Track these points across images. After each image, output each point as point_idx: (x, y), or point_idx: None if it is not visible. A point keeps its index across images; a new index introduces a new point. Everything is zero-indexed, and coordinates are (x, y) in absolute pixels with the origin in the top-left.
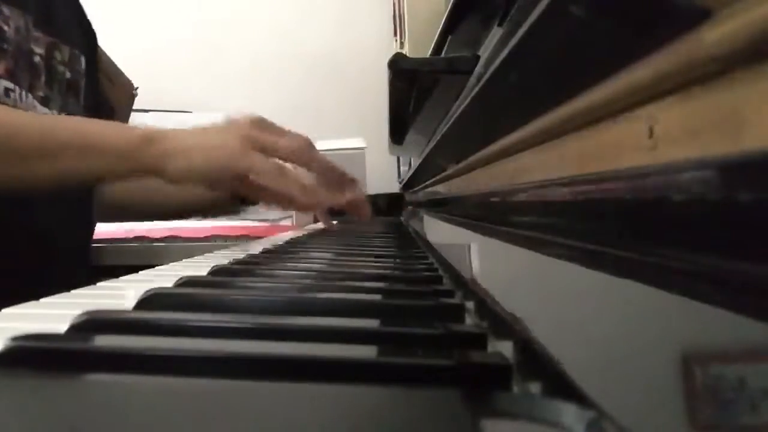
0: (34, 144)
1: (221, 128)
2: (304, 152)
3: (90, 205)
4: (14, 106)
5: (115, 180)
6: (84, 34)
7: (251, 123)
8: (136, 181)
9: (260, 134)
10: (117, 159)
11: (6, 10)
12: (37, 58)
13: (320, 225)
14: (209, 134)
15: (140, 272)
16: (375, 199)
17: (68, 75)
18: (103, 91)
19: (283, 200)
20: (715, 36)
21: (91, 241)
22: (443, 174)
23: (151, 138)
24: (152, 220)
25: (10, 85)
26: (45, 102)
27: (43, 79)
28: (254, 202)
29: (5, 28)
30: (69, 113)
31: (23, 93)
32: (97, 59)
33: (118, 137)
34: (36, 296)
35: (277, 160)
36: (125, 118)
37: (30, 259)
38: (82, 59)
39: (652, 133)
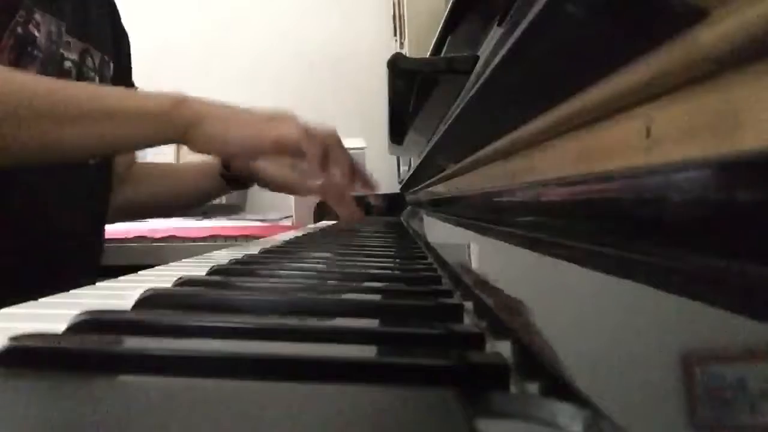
0: (77, 109)
1: (252, 109)
2: (333, 144)
3: (103, 208)
4: None
5: (149, 145)
6: (115, 40)
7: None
8: (137, 186)
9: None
10: (152, 122)
11: (38, 16)
12: (68, 64)
13: (320, 225)
14: (241, 110)
15: (140, 272)
16: (374, 199)
17: (97, 81)
18: None
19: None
20: (711, 36)
21: (101, 246)
22: (443, 174)
23: (183, 100)
24: (156, 217)
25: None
26: None
27: None
28: (247, 185)
29: (36, 34)
30: None
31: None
32: (128, 64)
33: (152, 101)
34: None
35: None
36: None
37: (39, 261)
38: (111, 65)
39: (650, 133)
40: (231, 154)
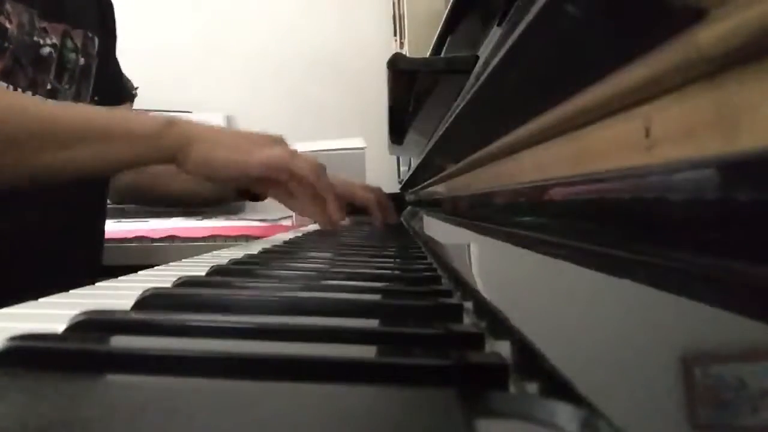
0: (68, 132)
1: (242, 132)
2: (315, 171)
3: (102, 214)
4: None
5: (138, 166)
6: (99, 12)
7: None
8: (146, 169)
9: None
10: (142, 144)
11: (9, 6)
12: (46, 50)
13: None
14: (231, 133)
15: (139, 272)
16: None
17: (81, 61)
18: (119, 71)
19: (290, 198)
20: (710, 36)
21: (101, 250)
22: (443, 174)
23: (172, 123)
24: (157, 206)
25: (4, 86)
26: (53, 94)
27: (53, 71)
28: (262, 198)
29: (7, 25)
30: (80, 100)
31: (19, 91)
32: (114, 35)
33: (142, 123)
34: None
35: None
36: None
37: (39, 260)
38: (96, 40)
39: (649, 133)
40: (218, 177)
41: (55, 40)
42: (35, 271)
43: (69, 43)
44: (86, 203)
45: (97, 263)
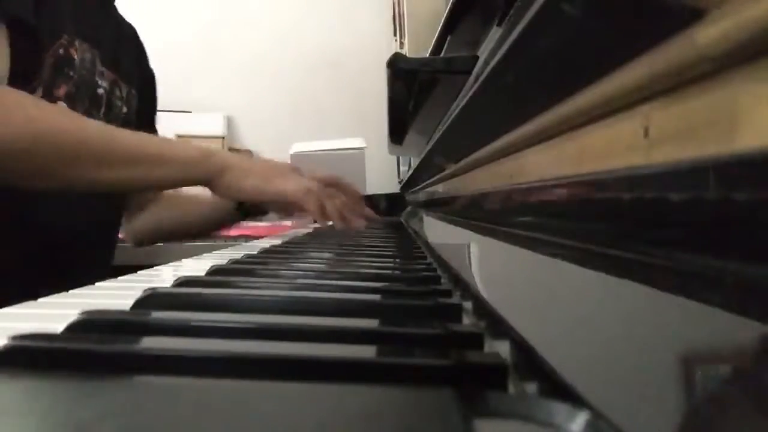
0: (127, 153)
1: (268, 163)
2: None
3: (114, 214)
4: None
5: (180, 186)
6: (141, 75)
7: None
8: (158, 213)
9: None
10: (182, 168)
11: (78, 43)
12: (101, 90)
13: (319, 226)
14: (259, 162)
15: (139, 272)
16: (375, 199)
17: (125, 110)
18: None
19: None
20: (708, 36)
21: (112, 253)
22: (442, 174)
23: (212, 153)
24: (178, 240)
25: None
26: None
27: (102, 110)
28: (263, 214)
29: (75, 57)
30: None
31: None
32: (153, 104)
33: (187, 150)
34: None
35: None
36: None
37: (50, 265)
38: (136, 98)
39: (648, 133)
40: (243, 199)
41: (106, 85)
42: (46, 276)
43: (117, 92)
44: (107, 211)
45: (109, 265)
